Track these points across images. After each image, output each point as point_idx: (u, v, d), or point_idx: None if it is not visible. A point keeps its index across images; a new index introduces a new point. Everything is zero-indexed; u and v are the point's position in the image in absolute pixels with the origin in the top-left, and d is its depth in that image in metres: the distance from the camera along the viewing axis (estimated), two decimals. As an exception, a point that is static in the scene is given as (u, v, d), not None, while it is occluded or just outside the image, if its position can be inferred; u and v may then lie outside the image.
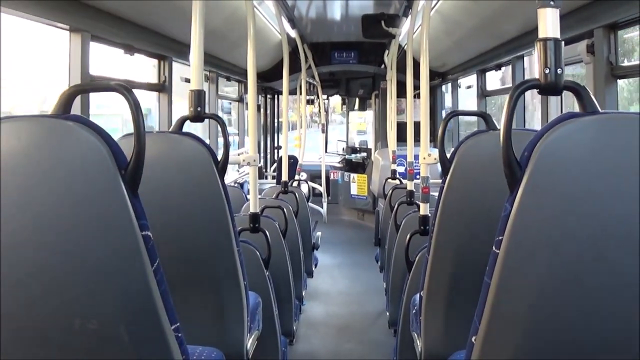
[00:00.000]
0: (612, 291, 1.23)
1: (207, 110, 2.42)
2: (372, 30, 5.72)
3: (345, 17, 6.60)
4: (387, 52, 7.52)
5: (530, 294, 1.27)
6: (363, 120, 11.35)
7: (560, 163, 1.22)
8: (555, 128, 1.23)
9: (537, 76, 1.34)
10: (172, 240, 2.17)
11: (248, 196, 3.47)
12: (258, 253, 3.05)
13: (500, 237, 1.28)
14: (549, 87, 1.32)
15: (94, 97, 3.73)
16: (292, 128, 10.58)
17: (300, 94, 7.71)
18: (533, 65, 4.53)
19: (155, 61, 4.58)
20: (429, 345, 2.36)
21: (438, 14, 5.07)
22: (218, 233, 2.24)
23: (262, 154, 9.54)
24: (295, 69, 7.01)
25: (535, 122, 5.38)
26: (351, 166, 9.90)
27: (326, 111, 10.62)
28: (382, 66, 8.49)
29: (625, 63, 3.15)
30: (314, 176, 9.42)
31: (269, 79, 8.40)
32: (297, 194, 5.25)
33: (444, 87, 8.16)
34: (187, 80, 2.43)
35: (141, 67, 4.56)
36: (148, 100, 4.82)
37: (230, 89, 7.81)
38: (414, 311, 2.60)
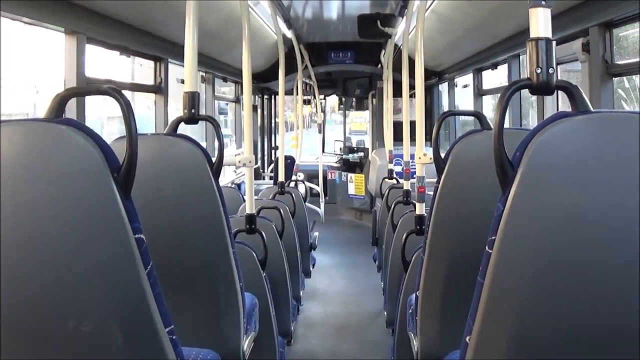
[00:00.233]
0: (606, 291, 1.23)
1: (204, 112, 2.42)
2: (368, 30, 5.72)
3: (341, 17, 6.60)
4: (383, 51, 7.52)
5: (523, 293, 1.27)
6: (364, 120, 11.36)
7: (552, 162, 1.22)
8: (547, 127, 1.23)
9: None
10: (167, 242, 2.17)
11: (245, 197, 3.47)
12: (254, 254, 3.05)
13: (493, 237, 1.28)
14: (541, 87, 1.32)
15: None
16: (291, 129, 10.56)
17: (297, 94, 7.71)
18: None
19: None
20: (425, 344, 2.36)
21: (434, 13, 5.07)
22: (213, 235, 2.24)
23: (259, 155, 9.54)
24: (291, 69, 7.02)
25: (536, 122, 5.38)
26: (348, 166, 9.90)
27: (323, 111, 10.62)
28: (379, 66, 8.49)
29: (621, 61, 3.16)
30: (312, 176, 9.42)
31: (265, 80, 8.40)
32: (294, 195, 5.25)
33: (440, 86, 8.17)
34: (183, 82, 2.44)
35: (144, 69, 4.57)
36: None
37: (227, 89, 7.81)
38: (410, 311, 2.60)
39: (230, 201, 4.29)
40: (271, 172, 9.29)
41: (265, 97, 9.82)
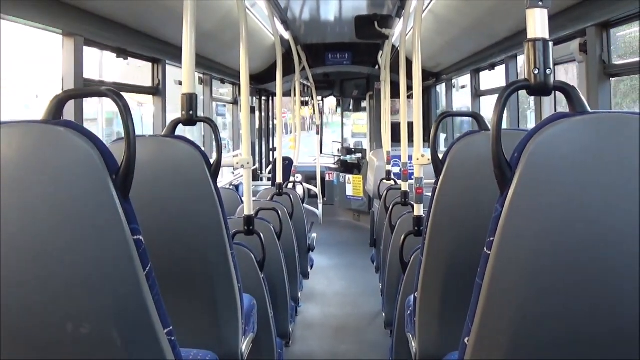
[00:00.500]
0: (604, 291, 1.23)
1: (202, 114, 2.42)
2: (366, 31, 5.72)
3: (338, 18, 6.60)
4: (380, 52, 7.52)
5: (522, 294, 1.27)
6: (365, 122, 11.38)
7: (550, 163, 1.22)
8: (545, 128, 1.23)
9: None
10: (165, 243, 2.16)
11: (243, 198, 3.47)
12: (252, 255, 3.05)
13: (491, 238, 1.28)
14: (538, 88, 1.32)
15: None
16: (292, 131, 10.49)
17: (295, 95, 7.71)
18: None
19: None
20: (423, 346, 2.36)
21: (431, 14, 5.07)
22: (211, 236, 2.23)
23: (257, 156, 9.54)
24: (289, 70, 7.02)
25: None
26: (346, 167, 9.89)
27: (321, 113, 10.62)
28: (376, 67, 8.50)
29: (618, 62, 3.16)
30: (310, 177, 9.41)
31: (263, 81, 8.40)
32: (292, 196, 5.25)
33: (438, 87, 8.17)
34: (181, 83, 2.45)
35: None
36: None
37: (225, 90, 7.81)
38: (408, 312, 2.60)
39: (228, 203, 4.28)
40: (269, 173, 9.28)
41: (263, 98, 9.82)
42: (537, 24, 1.33)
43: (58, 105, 1.46)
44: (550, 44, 1.33)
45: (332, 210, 9.88)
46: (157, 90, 4.57)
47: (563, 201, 1.22)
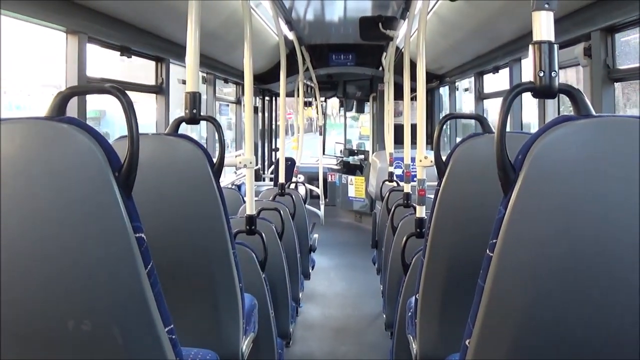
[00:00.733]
0: (608, 294, 1.22)
1: (204, 113, 2.42)
2: (370, 32, 5.72)
3: (343, 19, 6.60)
4: (384, 54, 7.52)
5: (524, 297, 1.27)
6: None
7: (554, 166, 1.22)
8: (549, 131, 1.23)
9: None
10: (167, 242, 2.16)
11: (245, 198, 3.47)
12: (254, 255, 3.05)
13: (494, 240, 1.27)
14: (543, 90, 1.32)
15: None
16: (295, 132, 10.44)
17: (298, 96, 7.71)
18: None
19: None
20: (424, 347, 2.36)
21: (436, 16, 5.07)
22: (213, 235, 2.23)
23: (259, 156, 9.54)
24: (292, 71, 7.02)
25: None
26: (349, 168, 9.89)
27: (324, 113, 10.61)
28: (380, 68, 8.49)
29: (623, 66, 3.16)
30: (312, 178, 9.41)
31: (266, 81, 8.40)
32: (294, 196, 5.25)
33: (441, 89, 8.17)
34: (185, 82, 2.45)
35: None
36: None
37: (229, 90, 7.81)
38: (409, 314, 2.60)
39: (230, 202, 4.28)
40: (271, 173, 9.28)
41: (266, 98, 9.82)
42: (543, 26, 1.33)
43: (62, 101, 1.47)
44: (556, 46, 1.32)
45: (334, 211, 9.87)
46: (160, 89, 4.58)
47: (567, 204, 1.22)
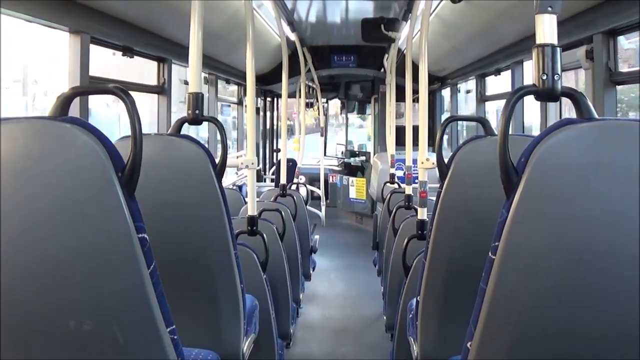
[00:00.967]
0: (610, 298, 1.22)
1: (206, 113, 2.42)
2: (372, 34, 5.72)
3: (345, 20, 6.60)
4: (386, 55, 7.52)
5: (526, 300, 1.27)
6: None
7: (556, 169, 1.22)
8: (552, 134, 1.23)
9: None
10: (169, 242, 2.17)
11: (246, 199, 3.47)
12: (255, 256, 3.05)
13: (496, 243, 1.28)
14: (546, 93, 1.32)
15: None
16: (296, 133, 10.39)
17: (300, 97, 7.71)
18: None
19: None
20: (425, 349, 2.36)
21: (438, 18, 5.07)
22: (215, 236, 2.24)
23: (261, 157, 9.54)
24: (294, 72, 7.02)
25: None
26: (350, 170, 9.89)
27: (325, 114, 10.62)
28: (382, 70, 8.49)
29: (625, 69, 3.16)
30: (313, 179, 9.41)
31: (268, 82, 8.40)
32: (295, 197, 5.25)
33: (443, 91, 8.17)
34: (187, 83, 2.45)
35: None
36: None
37: (234, 88, 7.81)
38: (410, 315, 2.60)
39: (231, 203, 4.27)
40: (273, 174, 9.28)
41: (268, 99, 9.82)
42: (546, 29, 1.33)
43: (65, 101, 1.47)
44: (559, 49, 1.32)
45: (335, 212, 9.87)
46: (162, 89, 4.58)
47: (569, 207, 1.22)
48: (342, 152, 10.86)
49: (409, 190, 4.52)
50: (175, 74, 4.75)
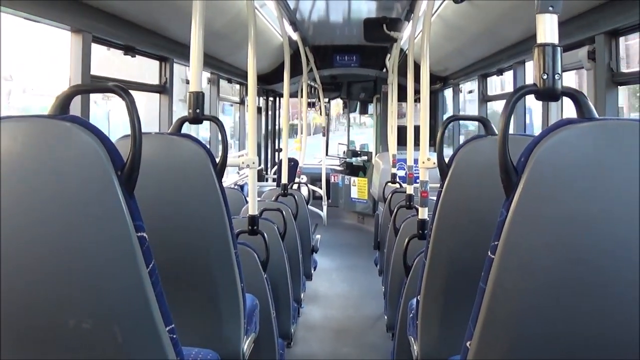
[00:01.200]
0: (608, 297, 1.22)
1: (208, 113, 2.42)
2: (374, 33, 5.72)
3: (347, 20, 6.60)
4: (388, 55, 7.51)
5: (525, 299, 1.27)
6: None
7: (556, 169, 1.22)
8: (553, 134, 1.22)
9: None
10: (169, 241, 2.17)
11: (248, 198, 3.47)
12: (256, 255, 3.05)
13: (495, 243, 1.27)
14: (547, 93, 1.32)
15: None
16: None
17: (302, 96, 7.71)
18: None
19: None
20: (425, 349, 2.36)
21: (440, 18, 5.07)
22: (215, 235, 2.24)
23: (263, 157, 9.54)
24: (296, 71, 7.01)
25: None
26: (352, 169, 9.88)
27: (327, 114, 10.61)
28: (384, 70, 8.49)
29: (626, 70, 3.15)
30: (315, 179, 9.41)
31: (270, 82, 8.40)
32: (296, 197, 5.25)
33: (445, 91, 8.16)
34: (188, 82, 2.46)
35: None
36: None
37: (237, 88, 7.82)
38: (411, 315, 2.60)
39: (233, 202, 4.28)
40: (274, 174, 9.28)
41: (270, 99, 9.82)
42: (547, 29, 1.33)
43: (65, 100, 1.47)
44: (560, 49, 1.32)
45: (336, 212, 9.86)
46: (164, 88, 4.58)
47: (569, 207, 1.21)
48: (343, 152, 10.85)
49: (410, 190, 4.52)
50: (176, 73, 4.75)
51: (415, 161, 3.87)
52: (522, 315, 1.28)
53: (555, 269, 1.23)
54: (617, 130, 1.23)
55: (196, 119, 2.39)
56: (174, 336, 1.55)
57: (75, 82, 3.17)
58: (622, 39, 3.14)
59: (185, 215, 2.23)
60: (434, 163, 3.03)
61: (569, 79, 4.04)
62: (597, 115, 1.30)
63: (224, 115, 8.40)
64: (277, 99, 10.20)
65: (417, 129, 3.77)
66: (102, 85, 1.57)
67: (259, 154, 8.88)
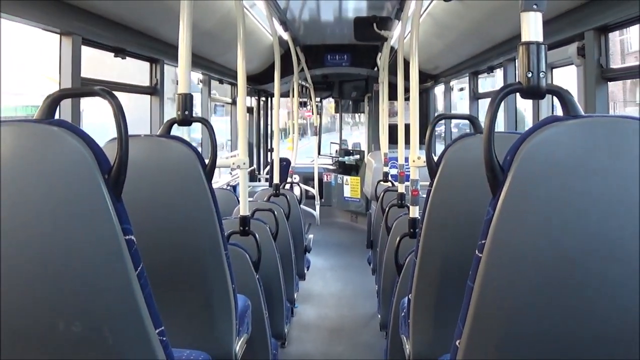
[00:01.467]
0: (595, 294, 1.23)
1: (200, 114, 2.42)
2: (365, 32, 5.72)
3: (338, 19, 6.60)
4: (379, 54, 7.52)
5: (512, 297, 1.27)
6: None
7: (542, 166, 1.22)
8: (538, 132, 1.23)
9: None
10: (159, 243, 2.16)
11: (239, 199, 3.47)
12: (247, 255, 3.05)
13: (482, 241, 1.28)
14: (532, 91, 1.32)
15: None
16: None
17: (293, 96, 7.71)
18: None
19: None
20: (417, 347, 2.36)
21: (430, 17, 5.07)
22: (205, 236, 2.23)
23: (255, 157, 9.54)
24: (288, 71, 7.01)
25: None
26: (344, 168, 9.88)
27: (319, 114, 10.61)
28: (375, 69, 8.50)
29: (616, 66, 3.16)
30: (307, 178, 9.41)
31: (262, 82, 8.39)
32: (289, 197, 5.25)
33: (436, 89, 8.17)
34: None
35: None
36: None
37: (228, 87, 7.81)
38: (402, 314, 2.60)
39: (225, 203, 4.29)
40: (267, 174, 9.28)
41: (262, 99, 9.81)
42: (531, 27, 1.33)
43: (52, 104, 1.46)
44: (544, 47, 1.32)
45: (329, 211, 9.87)
46: (155, 90, 4.57)
47: (555, 205, 1.22)
48: (336, 151, 10.86)
49: (401, 188, 4.53)
50: (168, 75, 4.74)
51: (407, 159, 3.87)
52: (510, 313, 1.28)
53: (542, 267, 1.23)
54: (603, 127, 1.23)
55: (185, 121, 2.38)
56: (164, 338, 1.54)
57: (65, 84, 3.17)
58: (611, 35, 3.15)
59: (174, 216, 2.22)
60: (424, 161, 3.04)
61: (569, 75, 4.05)
62: (582, 112, 1.30)
63: (217, 116, 8.39)
64: (269, 99, 10.19)
65: (408, 127, 3.77)
66: (88, 88, 1.56)
67: (251, 154, 8.87)
